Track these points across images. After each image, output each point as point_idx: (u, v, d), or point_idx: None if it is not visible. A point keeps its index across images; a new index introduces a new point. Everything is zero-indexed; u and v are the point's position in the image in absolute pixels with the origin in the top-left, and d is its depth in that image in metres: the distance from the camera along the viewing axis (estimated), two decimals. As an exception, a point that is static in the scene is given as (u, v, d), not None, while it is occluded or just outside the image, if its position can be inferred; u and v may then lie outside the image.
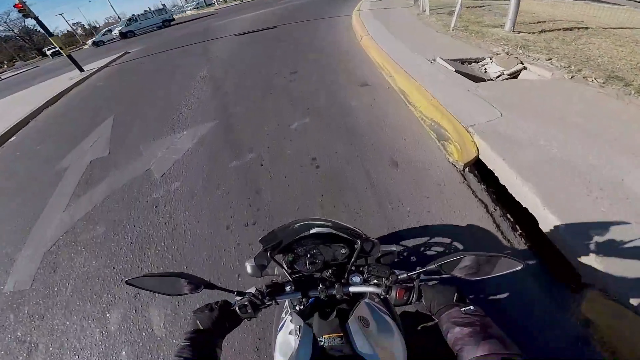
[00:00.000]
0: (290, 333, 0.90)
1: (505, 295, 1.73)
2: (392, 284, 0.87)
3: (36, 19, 11.47)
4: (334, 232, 0.94)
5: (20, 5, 10.62)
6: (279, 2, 25.30)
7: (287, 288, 0.93)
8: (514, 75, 4.50)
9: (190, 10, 66.83)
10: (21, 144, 5.74)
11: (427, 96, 3.75)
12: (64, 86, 9.76)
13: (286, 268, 0.99)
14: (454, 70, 4.48)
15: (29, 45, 44.59)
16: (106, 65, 12.24)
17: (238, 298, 0.91)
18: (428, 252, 2.02)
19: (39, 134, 6.04)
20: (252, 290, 0.94)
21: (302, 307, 0.98)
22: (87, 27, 76.37)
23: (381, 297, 0.96)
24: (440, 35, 6.41)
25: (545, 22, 6.74)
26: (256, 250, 0.97)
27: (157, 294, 1.40)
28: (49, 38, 12.32)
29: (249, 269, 1.08)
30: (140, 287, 0.83)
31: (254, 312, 0.89)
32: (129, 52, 14.75)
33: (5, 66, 40.56)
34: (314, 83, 5.08)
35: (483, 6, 9.44)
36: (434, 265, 0.82)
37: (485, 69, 4.79)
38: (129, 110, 5.86)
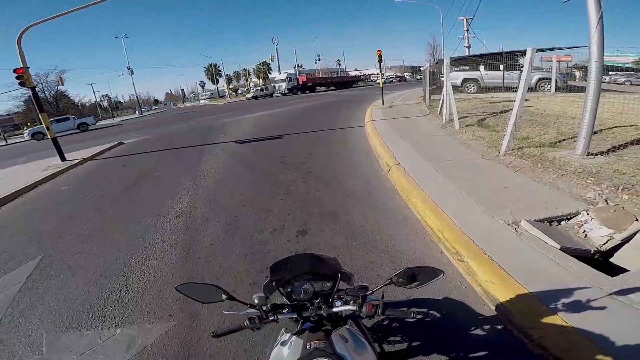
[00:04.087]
0: (283, 344, 1.26)
1: None
2: (363, 302, 1.16)
3: (33, 89, 10.91)
4: (321, 272, 1.27)
5: (20, 70, 10.14)
6: (286, 103, 26.68)
7: (285, 310, 1.22)
8: (627, 239, 2.99)
9: (204, 100, 72.87)
10: None
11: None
12: (30, 180, 8.42)
13: (285, 296, 1.26)
14: (558, 247, 2.78)
15: (53, 111, 45.96)
16: (91, 157, 11.21)
17: (250, 310, 1.21)
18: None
19: None
20: (255, 301, 1.24)
21: (298, 329, 1.21)
22: (112, 100, 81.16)
23: (356, 312, 1.17)
24: (492, 164, 5.10)
25: (612, 129, 5.49)
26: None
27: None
28: (39, 114, 11.51)
29: (255, 300, 1.26)
30: (183, 293, 1.22)
31: (259, 324, 1.16)
32: (123, 143, 14.07)
33: (25, 128, 40.96)
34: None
35: (507, 110, 8.20)
36: (388, 281, 1.22)
37: (585, 231, 3.23)
38: (65, 253, 4.24)
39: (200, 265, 3.66)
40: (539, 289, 2.27)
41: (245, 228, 4.42)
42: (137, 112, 56.05)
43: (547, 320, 2.01)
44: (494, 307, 2.39)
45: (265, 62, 77.14)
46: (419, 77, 64.14)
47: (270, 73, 76.78)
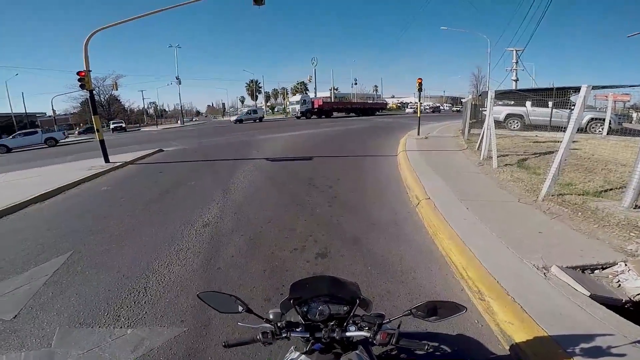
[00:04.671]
0: None
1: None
2: (378, 330, 1.15)
3: (91, 92, 11.83)
4: (339, 295, 1.27)
5: (83, 73, 10.99)
6: (317, 125, 27.17)
7: (299, 329, 1.22)
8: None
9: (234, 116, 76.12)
10: None
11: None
12: (74, 178, 9.02)
13: (301, 315, 1.26)
14: (588, 294, 2.64)
15: (105, 115, 49.67)
16: (132, 162, 11.86)
17: (265, 325, 1.22)
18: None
19: None
20: (270, 316, 1.25)
21: (307, 348, 1.23)
22: (158, 109, 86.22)
23: (369, 339, 1.17)
24: (529, 209, 4.78)
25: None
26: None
27: None
28: (92, 116, 12.47)
29: (271, 315, 1.27)
30: (204, 301, 1.24)
31: (271, 340, 1.17)
32: (162, 151, 14.83)
33: (77, 130, 44.40)
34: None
35: (551, 151, 7.55)
36: (408, 311, 1.20)
37: (619, 281, 3.03)
38: (94, 250, 4.40)
39: (220, 275, 3.65)
40: (560, 332, 2.20)
41: (267, 244, 4.39)
42: (179, 122, 58.99)
43: (562, 363, 1.94)
44: (508, 347, 2.33)
45: (303, 82, 79.60)
46: (455, 108, 63.09)
47: (307, 92, 79.01)
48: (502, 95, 16.18)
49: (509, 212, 4.83)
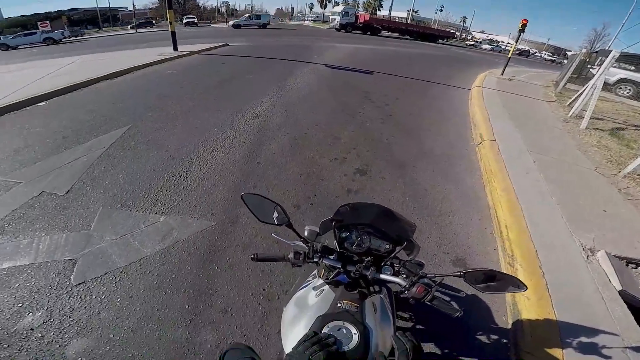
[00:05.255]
0: (314, 289, 1.15)
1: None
2: (416, 281, 1.01)
3: None
4: (386, 231, 1.17)
5: None
6: (385, 42, 24.50)
7: (332, 256, 1.10)
8: None
9: (308, 21, 71.34)
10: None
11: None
12: (144, 61, 9.47)
13: (338, 241, 1.15)
14: (619, 289, 2.36)
15: (179, 10, 51.00)
16: (198, 52, 11.95)
17: (298, 243, 1.16)
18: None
19: (42, 120, 5.00)
20: (305, 233, 1.24)
21: (330, 278, 1.10)
22: (230, 8, 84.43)
23: (403, 288, 1.03)
24: (603, 182, 4.02)
25: None
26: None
27: None
28: (167, 10, 12.57)
29: (306, 232, 1.25)
30: (245, 203, 1.15)
31: (301, 262, 1.10)
32: (228, 45, 14.66)
33: (154, 22, 47.04)
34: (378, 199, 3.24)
35: None
36: (459, 272, 1.00)
37: None
38: (149, 127, 4.61)
39: (258, 170, 3.64)
40: (568, 319, 2.09)
41: (309, 148, 4.24)
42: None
43: (551, 351, 1.89)
44: (510, 322, 2.18)
45: None
46: (548, 57, 52.77)
47: (380, 9, 69.76)
48: (626, 59, 12.88)
49: (580, 178, 4.09)
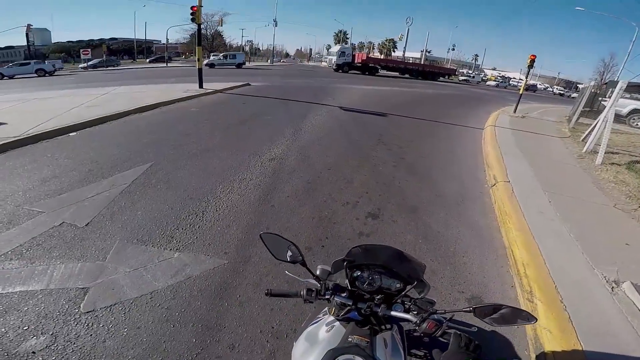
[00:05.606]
0: (325, 325, 1.19)
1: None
2: (427, 317, 1.03)
3: (199, 25, 12.79)
4: (396, 271, 1.16)
5: (195, 8, 11.92)
6: (399, 84, 25.30)
7: (344, 294, 1.13)
8: None
9: (325, 62, 74.97)
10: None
11: None
12: (171, 97, 10.10)
13: (349, 280, 1.18)
14: None
15: (208, 47, 54.51)
16: (222, 91, 12.68)
17: (311, 281, 1.18)
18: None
19: (72, 150, 5.35)
20: (317, 272, 1.22)
21: (342, 315, 1.15)
22: (253, 47, 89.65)
23: (414, 325, 1.05)
24: (623, 217, 4.04)
25: None
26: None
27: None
28: (196, 47, 13.60)
29: (318, 271, 1.24)
30: (263, 242, 1.22)
31: (313, 298, 1.12)
32: (249, 85, 15.47)
33: (183, 56, 50.67)
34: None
35: None
36: (469, 308, 1.04)
37: None
38: (171, 165, 4.81)
39: (271, 213, 3.72)
40: (596, 349, 2.07)
41: (322, 191, 4.33)
42: (269, 61, 62.64)
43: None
44: (534, 356, 2.16)
45: (392, 39, 73.34)
46: (558, 91, 52.38)
47: (395, 50, 72.97)
48: (635, 88, 12.91)
49: (598, 215, 4.08)
